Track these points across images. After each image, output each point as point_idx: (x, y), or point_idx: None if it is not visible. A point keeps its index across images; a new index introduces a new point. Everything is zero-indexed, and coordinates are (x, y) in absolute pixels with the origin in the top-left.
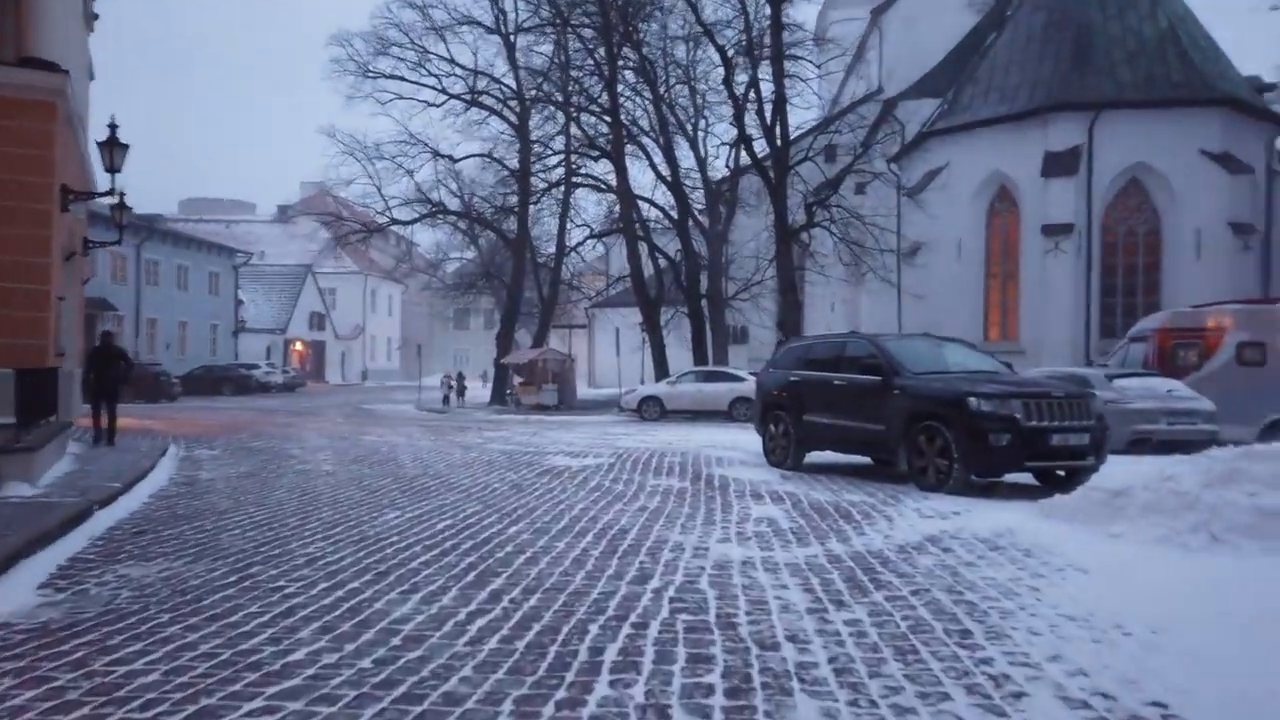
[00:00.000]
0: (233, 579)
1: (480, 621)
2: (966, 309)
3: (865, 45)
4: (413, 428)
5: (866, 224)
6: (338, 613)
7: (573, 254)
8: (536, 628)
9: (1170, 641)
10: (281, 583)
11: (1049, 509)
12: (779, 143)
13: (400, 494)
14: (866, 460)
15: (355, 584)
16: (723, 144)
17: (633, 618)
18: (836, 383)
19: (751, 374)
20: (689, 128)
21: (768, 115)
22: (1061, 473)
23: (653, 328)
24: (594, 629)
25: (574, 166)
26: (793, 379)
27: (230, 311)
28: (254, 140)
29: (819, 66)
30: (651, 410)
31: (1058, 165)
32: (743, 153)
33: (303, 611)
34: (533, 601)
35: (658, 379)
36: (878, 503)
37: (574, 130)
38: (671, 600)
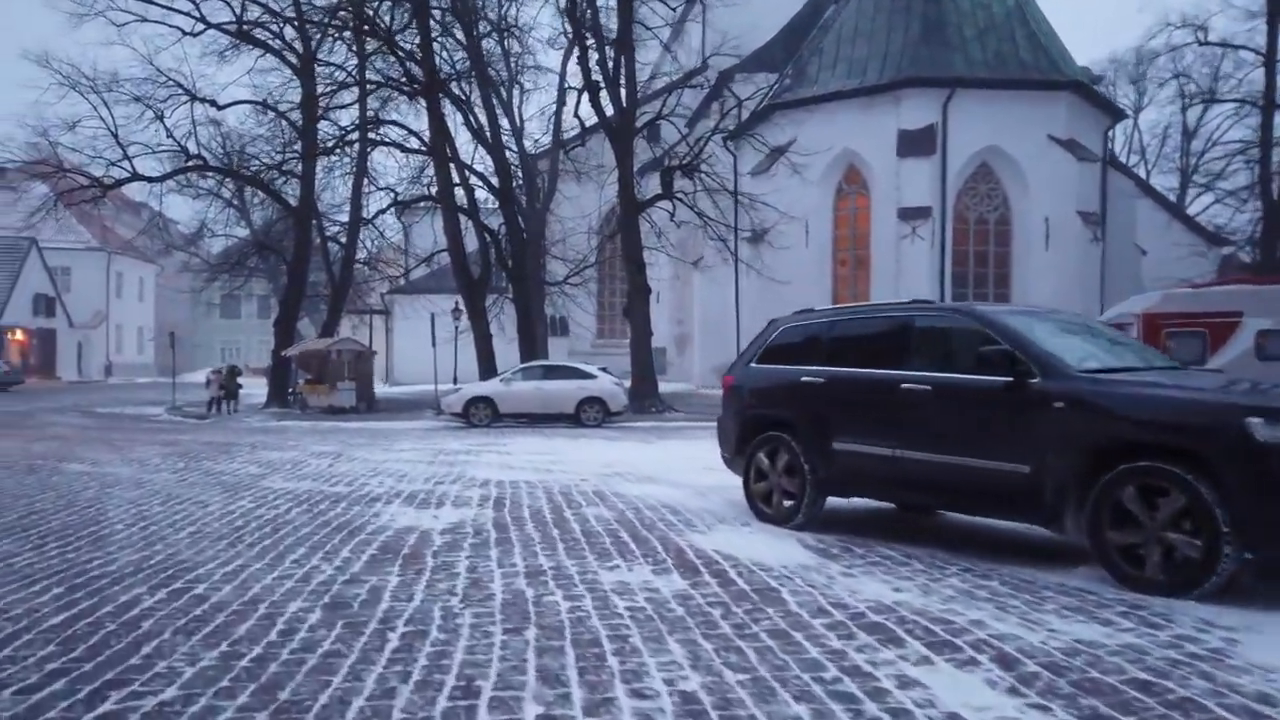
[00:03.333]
0: None
1: None
2: (814, 297)
3: (685, 16)
4: (153, 447)
5: (739, 197)
6: None
7: (370, 226)
8: None
9: None
10: None
11: None
12: (623, 100)
13: (60, 650)
14: (889, 505)
15: None
16: (570, 89)
17: None
18: (908, 387)
19: (602, 369)
20: (503, 91)
21: (609, 64)
22: None
23: (476, 315)
24: None
25: (372, 118)
26: (808, 380)
27: None
28: None
29: (674, 9)
30: (481, 414)
31: (913, 144)
32: (568, 117)
33: None
34: None
35: (482, 376)
36: (1168, 664)
37: (371, 75)
38: None
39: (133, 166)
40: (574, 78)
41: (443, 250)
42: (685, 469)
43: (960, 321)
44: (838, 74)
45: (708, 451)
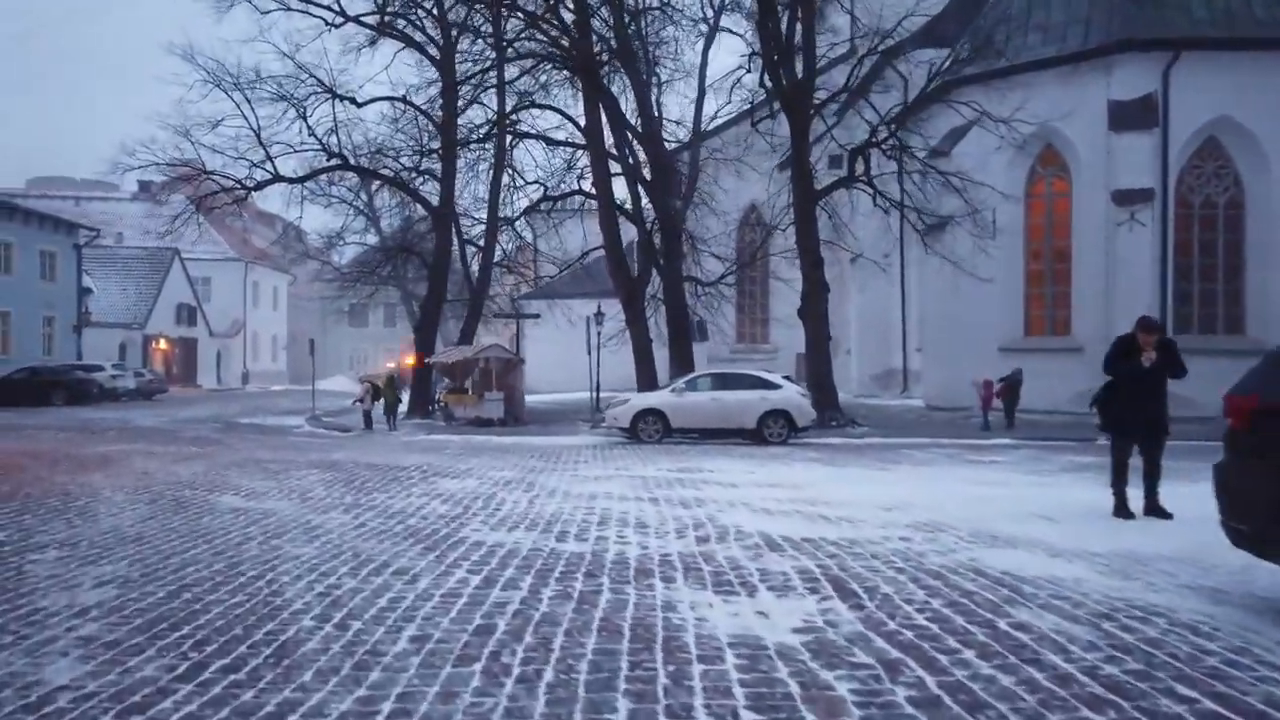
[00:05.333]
0: None
1: None
2: (1001, 297)
3: None
4: (309, 472)
5: (954, 177)
6: None
7: (510, 228)
8: None
9: None
10: None
11: None
12: (799, 70)
13: None
14: None
15: None
16: (738, 67)
17: None
18: None
19: (785, 377)
20: (645, 78)
21: (783, 31)
22: None
23: (635, 319)
24: None
25: (515, 107)
26: None
27: (71, 301)
28: (123, 114)
29: None
30: (651, 429)
31: (1130, 117)
32: (705, 102)
33: None
34: None
35: (641, 385)
36: None
37: (512, 70)
38: None
39: (275, 167)
40: (714, 64)
41: (594, 249)
42: (1007, 516)
43: None
44: (1030, 43)
45: (973, 485)
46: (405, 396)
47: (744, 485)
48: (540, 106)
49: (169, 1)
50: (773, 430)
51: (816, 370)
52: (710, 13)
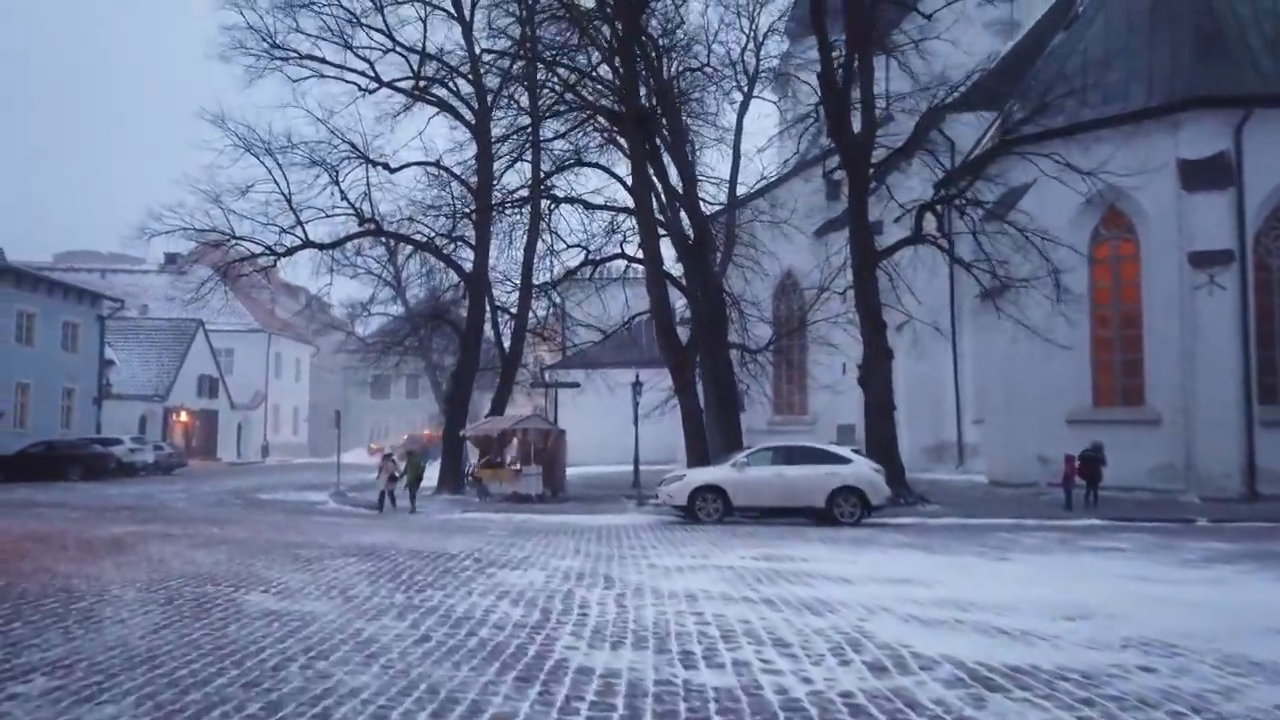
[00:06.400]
0: None
1: None
2: (1067, 365)
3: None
4: (347, 561)
5: (1033, 235)
6: None
7: (547, 294)
8: None
9: None
10: None
11: None
12: (858, 124)
13: None
14: None
15: None
16: (807, 115)
17: None
18: None
19: (855, 451)
20: (687, 143)
21: (839, 77)
22: None
23: (684, 387)
24: None
25: (549, 179)
26: None
27: (93, 373)
28: (152, 181)
29: (927, 17)
30: (710, 507)
31: (1204, 177)
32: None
33: None
34: None
35: (691, 459)
36: None
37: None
38: None
39: (305, 233)
40: (757, 123)
41: (636, 315)
42: (1237, 631)
43: None
44: (1091, 101)
45: (1132, 581)
46: (431, 472)
47: (858, 581)
48: (586, 164)
49: (201, 67)
50: (844, 509)
51: (881, 442)
52: (744, 80)
